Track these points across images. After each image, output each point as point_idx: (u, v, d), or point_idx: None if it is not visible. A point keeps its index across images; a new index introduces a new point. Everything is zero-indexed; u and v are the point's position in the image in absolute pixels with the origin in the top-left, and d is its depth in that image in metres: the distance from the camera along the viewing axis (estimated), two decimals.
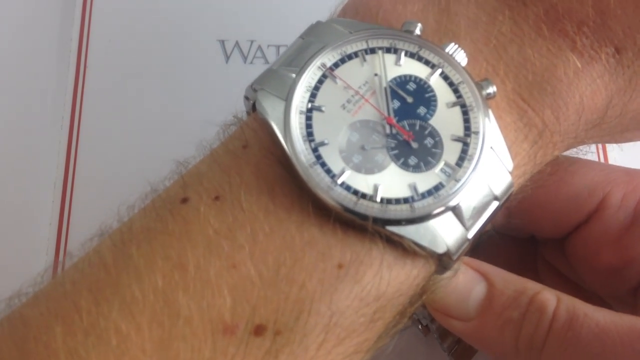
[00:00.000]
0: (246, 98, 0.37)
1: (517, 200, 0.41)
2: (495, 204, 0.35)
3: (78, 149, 0.62)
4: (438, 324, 0.48)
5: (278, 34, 0.66)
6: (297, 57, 0.37)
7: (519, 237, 0.54)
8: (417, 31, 0.37)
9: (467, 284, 0.40)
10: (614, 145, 0.62)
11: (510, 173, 0.35)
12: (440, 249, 0.33)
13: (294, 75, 0.35)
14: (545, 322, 0.37)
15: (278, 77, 0.36)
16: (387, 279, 0.33)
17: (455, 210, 0.33)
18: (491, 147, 0.34)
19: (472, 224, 0.34)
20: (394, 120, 0.35)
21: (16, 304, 0.33)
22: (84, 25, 0.66)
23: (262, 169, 0.34)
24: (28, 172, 0.61)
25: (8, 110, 0.63)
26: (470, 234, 0.34)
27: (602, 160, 0.62)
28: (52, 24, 0.67)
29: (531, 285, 0.39)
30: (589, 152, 0.47)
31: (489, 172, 0.34)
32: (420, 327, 0.51)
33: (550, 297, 0.38)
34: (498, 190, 0.35)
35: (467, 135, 0.34)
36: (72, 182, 0.61)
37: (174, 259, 0.32)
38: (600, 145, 0.62)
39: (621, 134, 0.44)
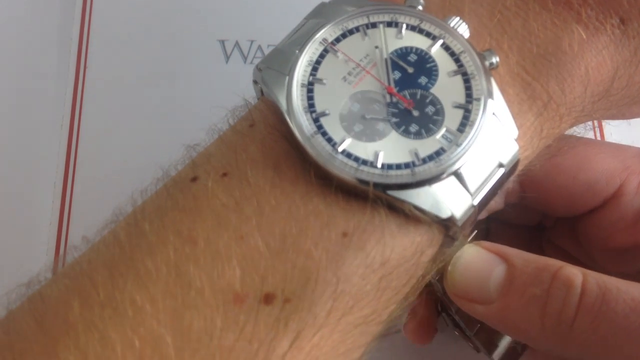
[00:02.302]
0: (254, 82, 0.39)
1: (525, 174, 0.42)
2: (500, 171, 0.36)
3: (78, 149, 0.62)
4: (482, 335, 0.49)
5: (278, 34, 0.64)
6: (300, 36, 0.38)
7: (525, 225, 0.55)
8: (419, 7, 0.38)
9: (486, 266, 0.40)
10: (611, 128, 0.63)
11: (516, 141, 0.36)
12: (444, 214, 0.34)
13: (297, 51, 0.37)
14: (574, 297, 0.37)
15: (281, 54, 0.38)
16: (391, 246, 0.34)
17: (459, 176, 0.34)
18: (493, 114, 0.35)
19: (478, 191, 0.35)
20: (395, 90, 0.36)
21: (36, 287, 0.34)
22: (84, 25, 0.67)
23: (268, 144, 0.35)
24: (28, 172, 0.62)
25: (8, 110, 0.64)
26: (476, 201, 0.35)
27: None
28: (52, 24, 0.68)
29: (552, 262, 0.39)
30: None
31: (493, 138, 0.35)
32: (470, 344, 0.51)
33: (575, 272, 0.38)
34: (503, 157, 0.36)
35: (469, 102, 0.35)
36: (72, 182, 0.61)
37: (185, 233, 0.33)
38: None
39: (629, 108, 0.45)
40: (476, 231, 0.42)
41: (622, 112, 0.46)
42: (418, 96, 0.36)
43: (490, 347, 0.49)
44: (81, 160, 0.62)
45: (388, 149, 0.34)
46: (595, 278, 0.37)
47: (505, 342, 0.48)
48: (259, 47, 0.67)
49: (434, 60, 0.37)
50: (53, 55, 0.67)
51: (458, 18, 0.37)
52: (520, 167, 0.39)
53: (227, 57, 0.67)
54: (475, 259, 0.40)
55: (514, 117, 0.36)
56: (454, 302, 0.42)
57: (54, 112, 0.64)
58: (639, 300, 0.36)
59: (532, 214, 0.53)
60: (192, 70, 0.66)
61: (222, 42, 0.67)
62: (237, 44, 0.67)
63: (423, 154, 0.34)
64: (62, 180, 0.61)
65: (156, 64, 0.66)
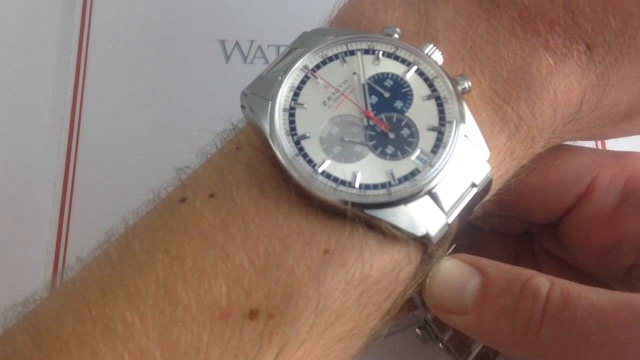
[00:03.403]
0: (242, 107, 0.42)
1: (502, 194, 0.45)
2: (473, 191, 0.39)
3: (78, 149, 0.65)
4: (450, 335, 0.52)
5: (278, 34, 0.69)
6: (283, 64, 0.42)
7: (514, 233, 0.57)
8: (396, 35, 0.41)
9: (462, 278, 0.42)
10: None
11: (488, 162, 0.39)
12: (419, 232, 0.37)
13: (280, 78, 0.40)
14: (539, 305, 0.39)
15: (265, 81, 0.41)
16: (370, 263, 0.37)
17: (433, 196, 0.38)
18: (465, 136, 0.39)
19: (451, 210, 0.38)
20: (372, 114, 0.39)
21: (32, 306, 0.38)
22: (84, 25, 0.69)
23: (253, 166, 0.39)
24: (28, 172, 0.64)
25: (8, 110, 0.66)
26: (450, 219, 0.38)
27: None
28: (52, 24, 0.70)
29: (524, 272, 0.41)
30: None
31: (465, 159, 0.39)
32: (450, 355, 0.54)
33: (543, 281, 0.40)
34: (475, 177, 0.39)
35: (442, 125, 0.39)
36: (72, 182, 0.63)
37: (173, 252, 0.36)
38: None
39: (600, 129, 0.48)
40: (455, 245, 0.45)
41: (594, 133, 0.49)
42: (394, 119, 0.39)
43: (463, 353, 0.52)
44: (81, 160, 0.64)
45: (365, 170, 0.38)
46: (560, 285, 0.40)
47: (477, 348, 0.52)
48: (259, 47, 0.69)
49: (409, 85, 0.40)
50: (53, 55, 0.69)
51: (432, 45, 0.41)
52: (495, 187, 0.42)
53: (227, 57, 0.69)
54: (452, 271, 0.43)
55: (487, 139, 0.40)
56: (430, 312, 0.45)
57: (54, 112, 0.66)
58: (596, 305, 0.38)
59: (517, 222, 0.56)
60: (192, 70, 0.68)
61: (222, 42, 0.69)
62: (237, 44, 0.69)
63: (399, 174, 0.38)
64: (62, 180, 0.64)
65: (156, 64, 0.68)
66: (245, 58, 0.69)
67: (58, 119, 0.66)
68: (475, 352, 0.52)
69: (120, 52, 0.69)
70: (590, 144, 0.62)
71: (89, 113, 0.66)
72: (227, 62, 0.69)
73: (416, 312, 0.53)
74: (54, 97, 0.67)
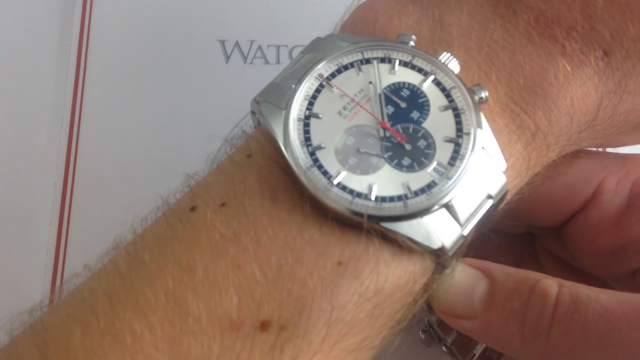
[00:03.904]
0: (252, 113, 0.41)
1: (515, 202, 0.44)
2: (489, 203, 0.38)
3: (78, 149, 0.64)
4: (453, 338, 0.52)
5: (278, 34, 0.69)
6: (296, 70, 0.41)
7: (517, 234, 0.57)
8: (412, 42, 0.40)
9: (470, 282, 0.42)
10: None
11: (504, 173, 0.39)
12: (435, 245, 0.36)
13: (293, 86, 0.39)
14: (549, 308, 0.39)
15: (278, 89, 0.40)
16: (385, 275, 0.36)
17: (449, 208, 0.37)
18: (483, 147, 0.38)
19: (467, 222, 0.38)
20: (388, 124, 0.38)
21: (38, 315, 0.37)
22: (84, 25, 0.69)
23: (265, 175, 0.38)
24: (28, 172, 0.64)
25: (8, 110, 0.66)
26: (466, 231, 0.37)
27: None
28: (52, 24, 0.70)
29: (532, 275, 0.41)
30: None
31: (482, 171, 0.38)
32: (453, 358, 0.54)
33: (551, 284, 0.39)
34: (492, 189, 0.38)
35: (459, 137, 0.38)
36: (72, 182, 0.63)
37: (184, 263, 0.35)
38: None
39: (616, 137, 0.47)
40: None
41: (609, 140, 0.48)
42: (410, 130, 0.38)
43: (467, 356, 0.52)
44: (81, 160, 0.64)
45: (381, 182, 0.37)
46: (569, 287, 0.39)
47: (480, 350, 0.51)
48: (259, 47, 0.69)
49: (425, 96, 0.39)
50: (53, 55, 0.68)
51: (449, 54, 0.40)
52: (509, 196, 0.41)
53: (227, 57, 0.68)
54: (460, 276, 0.42)
55: (504, 148, 0.39)
56: (435, 314, 0.45)
57: (54, 112, 0.66)
58: (607, 307, 0.38)
59: (519, 224, 0.55)
60: (192, 70, 0.68)
61: (222, 42, 0.69)
62: (237, 44, 0.69)
63: (415, 187, 0.37)
64: (62, 180, 0.63)
65: (156, 64, 0.68)
66: (245, 58, 0.69)
67: (58, 119, 0.66)
68: (478, 354, 0.52)
69: (120, 52, 0.69)
70: None
71: (89, 113, 0.66)
72: (227, 62, 0.69)
73: (418, 314, 0.53)
74: (54, 97, 0.67)
